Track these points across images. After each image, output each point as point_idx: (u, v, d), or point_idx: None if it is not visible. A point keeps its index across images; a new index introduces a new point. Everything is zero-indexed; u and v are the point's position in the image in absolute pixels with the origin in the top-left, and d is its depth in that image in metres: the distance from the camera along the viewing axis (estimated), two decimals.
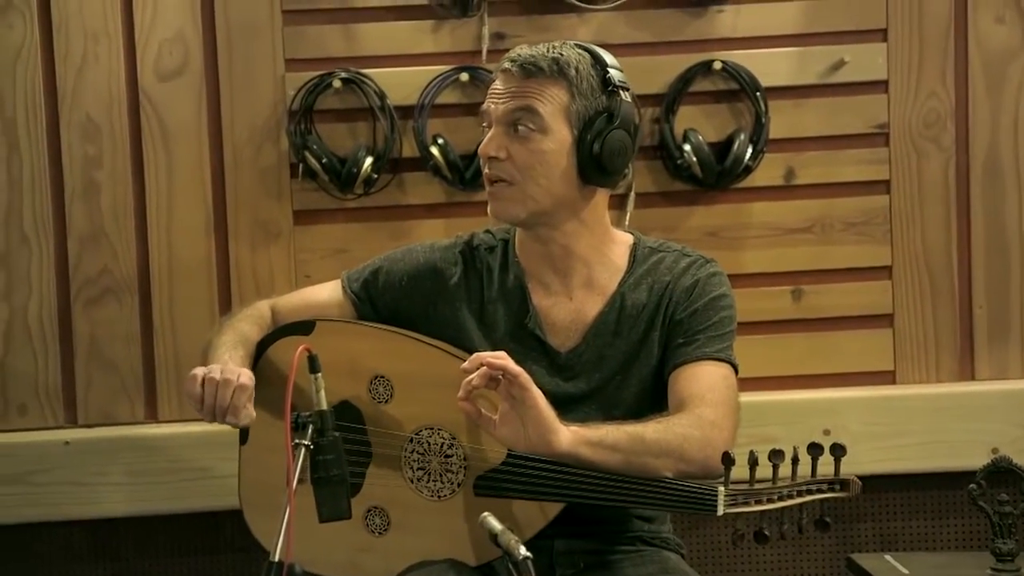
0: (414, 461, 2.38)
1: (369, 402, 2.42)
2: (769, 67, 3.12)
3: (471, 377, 2.16)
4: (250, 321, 2.52)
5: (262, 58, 3.11)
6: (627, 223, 3.07)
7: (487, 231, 2.57)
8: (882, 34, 3.15)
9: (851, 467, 2.19)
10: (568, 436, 2.17)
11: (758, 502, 2.13)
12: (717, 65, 3.10)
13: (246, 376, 2.29)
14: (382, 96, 3.08)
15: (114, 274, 3.12)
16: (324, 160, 3.05)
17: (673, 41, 3.14)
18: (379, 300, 2.54)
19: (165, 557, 3.19)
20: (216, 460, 3.01)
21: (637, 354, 2.42)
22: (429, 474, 2.37)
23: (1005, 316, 3.19)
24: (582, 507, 2.26)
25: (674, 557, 2.49)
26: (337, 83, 3.08)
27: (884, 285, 3.18)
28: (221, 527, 3.13)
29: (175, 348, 3.13)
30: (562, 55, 2.36)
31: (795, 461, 2.13)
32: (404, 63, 3.12)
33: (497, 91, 2.39)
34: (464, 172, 3.06)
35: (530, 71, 2.35)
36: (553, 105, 2.35)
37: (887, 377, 3.19)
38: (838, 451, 2.14)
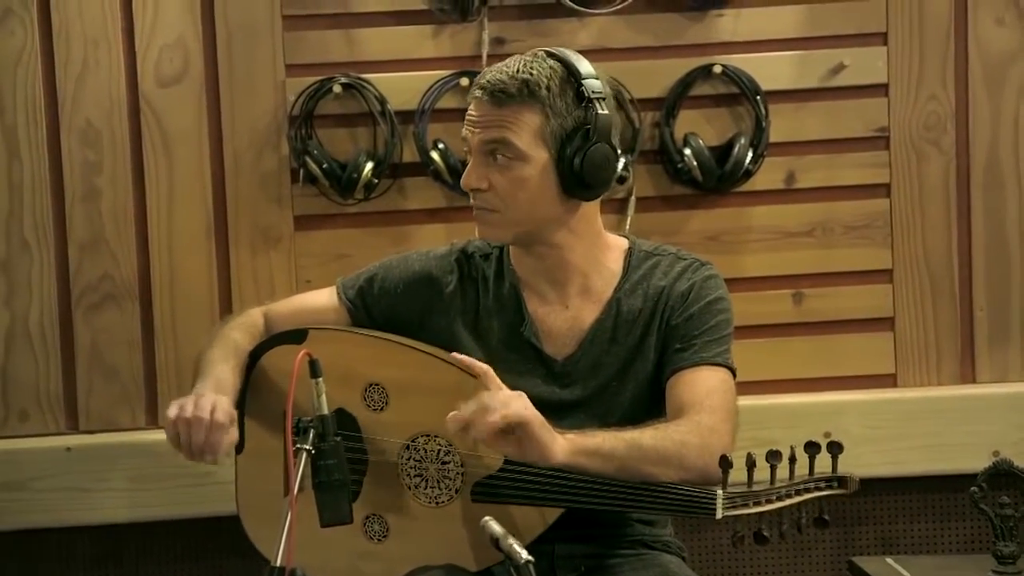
0: (411, 468, 2.38)
1: (364, 410, 2.42)
2: (769, 71, 3.12)
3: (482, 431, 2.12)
4: (242, 330, 2.52)
5: (262, 63, 3.11)
6: (627, 227, 3.07)
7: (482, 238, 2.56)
8: (882, 37, 3.14)
9: (852, 470, 2.18)
10: (564, 446, 2.15)
11: (757, 504, 2.13)
12: (717, 69, 3.10)
13: (221, 410, 2.27)
14: (382, 101, 3.08)
15: (115, 280, 3.12)
16: (324, 165, 3.05)
17: (673, 45, 3.13)
18: (374, 308, 2.53)
19: (167, 563, 3.19)
20: (217, 466, 3.00)
21: (633, 360, 2.42)
22: (427, 481, 2.37)
23: (1006, 319, 3.19)
24: (582, 511, 2.26)
25: (675, 560, 2.48)
26: (337, 88, 3.08)
27: (885, 288, 3.18)
28: (223, 532, 3.12)
29: (176, 354, 3.13)
30: (531, 75, 2.30)
31: (792, 460, 2.13)
32: (404, 68, 3.12)
33: (472, 119, 2.36)
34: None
35: (500, 99, 2.30)
36: (528, 131, 2.31)
37: (888, 380, 3.19)
38: (835, 449, 2.14)
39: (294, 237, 3.14)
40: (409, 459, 2.38)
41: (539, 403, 2.29)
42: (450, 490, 2.36)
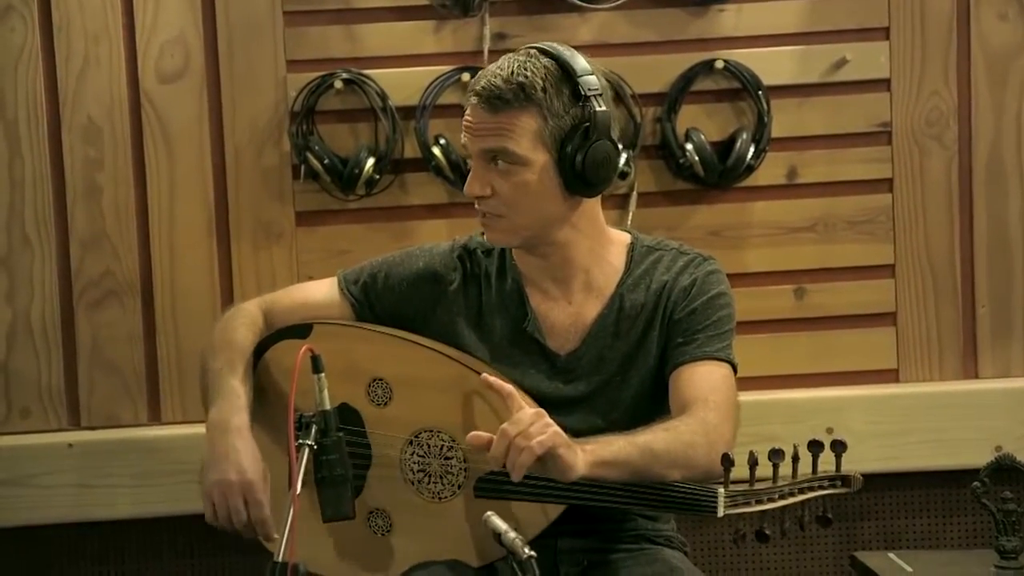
0: (414, 463, 2.38)
1: (368, 405, 2.41)
2: (771, 66, 3.12)
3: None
4: (244, 328, 2.47)
5: (263, 59, 3.11)
6: (629, 222, 3.07)
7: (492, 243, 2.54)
8: (884, 32, 3.14)
9: (854, 466, 2.18)
10: (584, 459, 2.12)
11: (759, 502, 2.12)
12: (719, 64, 3.10)
13: (254, 503, 2.25)
14: (384, 97, 3.08)
15: (116, 276, 3.13)
16: (326, 161, 3.05)
17: (675, 40, 3.13)
18: (378, 304, 2.52)
19: (170, 559, 3.19)
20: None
21: (636, 355, 2.41)
22: (429, 476, 2.37)
23: (1008, 314, 3.19)
24: (585, 506, 2.26)
25: (678, 555, 2.48)
26: (339, 84, 3.07)
27: (887, 284, 3.18)
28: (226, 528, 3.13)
29: (178, 350, 3.13)
30: (527, 78, 2.27)
31: (795, 459, 2.12)
32: (405, 63, 3.12)
33: (470, 124, 2.33)
34: (466, 172, 3.05)
35: (497, 105, 2.28)
36: (526, 136, 2.29)
37: (890, 376, 3.19)
38: (838, 447, 2.13)
39: (295, 233, 3.13)
40: (412, 454, 2.38)
41: (542, 399, 2.30)
42: (453, 485, 2.36)
